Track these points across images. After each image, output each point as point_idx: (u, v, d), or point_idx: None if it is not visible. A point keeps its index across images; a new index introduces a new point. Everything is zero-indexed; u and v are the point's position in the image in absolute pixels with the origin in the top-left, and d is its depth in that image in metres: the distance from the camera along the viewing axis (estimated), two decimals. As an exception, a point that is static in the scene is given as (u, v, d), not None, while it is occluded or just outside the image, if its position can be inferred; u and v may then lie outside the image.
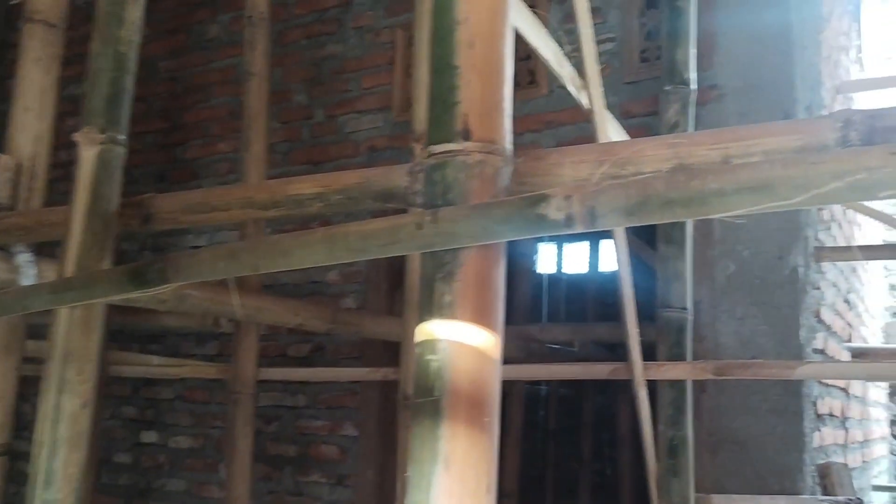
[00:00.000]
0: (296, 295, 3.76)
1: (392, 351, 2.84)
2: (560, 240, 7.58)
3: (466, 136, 0.98)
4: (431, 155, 1.00)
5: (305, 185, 1.41)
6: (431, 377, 0.94)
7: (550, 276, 7.52)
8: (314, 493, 3.62)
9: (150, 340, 4.19)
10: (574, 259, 7.87)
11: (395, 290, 3.56)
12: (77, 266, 1.47)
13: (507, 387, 4.99)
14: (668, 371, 2.05)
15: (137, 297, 2.17)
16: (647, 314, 2.56)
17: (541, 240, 7.30)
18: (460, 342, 0.94)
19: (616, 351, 4.52)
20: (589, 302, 6.78)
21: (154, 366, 3.05)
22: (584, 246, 7.64)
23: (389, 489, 3.18)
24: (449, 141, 0.99)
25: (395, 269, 3.53)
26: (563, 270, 7.63)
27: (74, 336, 1.46)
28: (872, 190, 0.73)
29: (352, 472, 3.55)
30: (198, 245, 4.25)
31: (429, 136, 1.01)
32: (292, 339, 3.83)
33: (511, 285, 5.20)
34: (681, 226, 2.25)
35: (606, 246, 7.52)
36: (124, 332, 4.19)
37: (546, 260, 7.69)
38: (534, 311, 6.05)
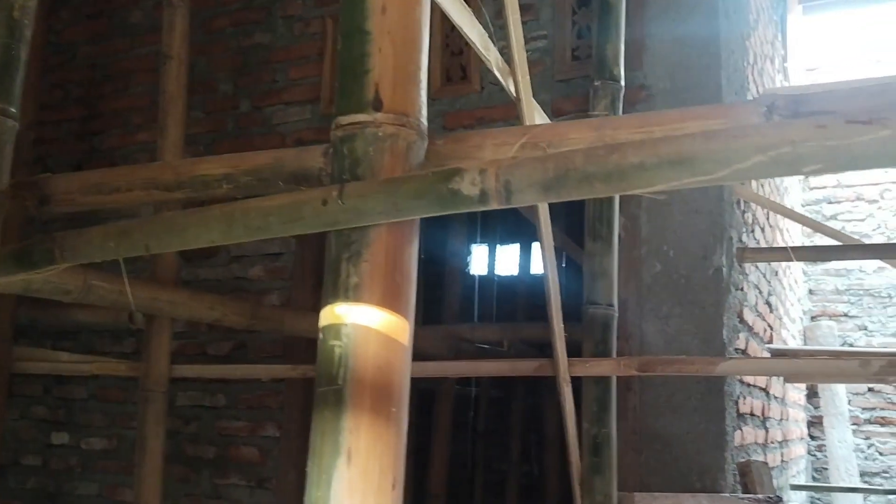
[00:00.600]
0: (218, 291, 3.63)
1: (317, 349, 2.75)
2: (492, 242, 7.61)
3: (377, 106, 0.92)
4: (339, 127, 0.93)
5: (213, 165, 1.32)
6: (335, 364, 0.88)
7: (482, 278, 7.52)
8: (233, 496, 3.50)
9: (62, 337, 3.99)
10: (506, 261, 7.90)
11: (321, 286, 3.47)
12: (-40, 248, 1.36)
13: (436, 387, 4.94)
14: (592, 367, 2.02)
15: (35, 285, 2.04)
16: (574, 315, 2.53)
17: (473, 241, 7.30)
18: (367, 327, 0.87)
19: (545, 350, 4.50)
20: (520, 303, 6.80)
21: (63, 362, 2.88)
22: (516, 248, 7.70)
23: (311, 491, 3.08)
24: (358, 111, 0.92)
25: (321, 265, 3.44)
26: (495, 272, 7.64)
27: (-45, 324, 1.34)
28: (797, 164, 0.69)
29: (273, 474, 3.43)
30: (115, 238, 4.08)
31: (337, 107, 0.95)
32: (212, 337, 3.70)
33: (442, 286, 5.18)
34: (608, 222, 2.23)
35: (538, 248, 7.58)
36: (35, 327, 3.98)
37: (478, 262, 7.70)
38: (465, 311, 6.03)
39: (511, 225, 7.32)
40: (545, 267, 1.96)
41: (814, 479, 6.29)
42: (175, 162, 1.59)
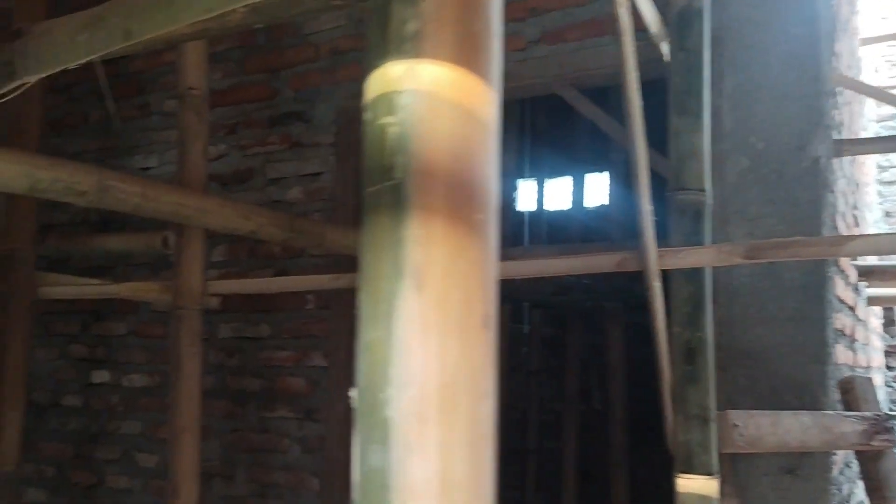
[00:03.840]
0: (255, 215, 3.39)
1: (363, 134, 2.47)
2: (541, 176, 7.26)
3: None
4: None
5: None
6: (389, 150, 0.59)
7: (531, 214, 7.20)
8: (281, 428, 3.30)
9: (98, 272, 3.80)
10: (557, 196, 7.55)
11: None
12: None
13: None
14: (686, 257, 1.70)
15: (42, 184, 1.79)
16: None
17: (520, 175, 6.95)
18: (435, 94, 0.58)
19: (599, 279, 4.22)
20: (573, 239, 6.51)
21: (90, 285, 2.67)
22: (568, 182, 7.33)
23: (362, 422, 2.85)
24: None
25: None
26: (545, 208, 7.32)
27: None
28: None
29: (321, 404, 3.22)
30: (148, 167, 3.86)
31: None
32: (252, 265, 3.48)
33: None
34: (697, 94, 1.89)
35: (591, 180, 7.20)
36: (68, 261, 3.81)
37: (526, 197, 7.36)
38: (514, 246, 5.75)
39: (561, 158, 6.95)
40: (632, 134, 1.65)
41: (891, 411, 5.93)
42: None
